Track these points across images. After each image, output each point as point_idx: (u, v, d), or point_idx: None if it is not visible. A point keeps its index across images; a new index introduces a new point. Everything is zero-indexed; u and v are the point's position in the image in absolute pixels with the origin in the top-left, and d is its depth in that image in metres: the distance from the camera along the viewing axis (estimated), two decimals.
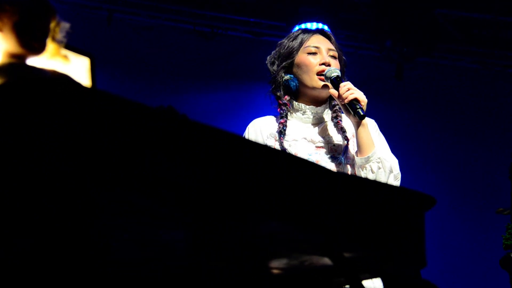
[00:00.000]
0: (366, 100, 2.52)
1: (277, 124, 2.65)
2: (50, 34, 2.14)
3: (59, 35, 2.18)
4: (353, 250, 1.38)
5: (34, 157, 0.96)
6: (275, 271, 1.51)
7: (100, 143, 1.01)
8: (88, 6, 5.98)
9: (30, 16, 2.10)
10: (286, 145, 2.60)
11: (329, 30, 2.81)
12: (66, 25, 2.19)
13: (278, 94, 2.70)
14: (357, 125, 2.52)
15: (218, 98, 6.18)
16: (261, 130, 2.68)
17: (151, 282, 0.97)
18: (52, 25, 2.16)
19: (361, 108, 2.49)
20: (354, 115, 2.49)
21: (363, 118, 2.50)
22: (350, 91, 2.51)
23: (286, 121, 2.65)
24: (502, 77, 6.41)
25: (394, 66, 6.11)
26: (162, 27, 6.19)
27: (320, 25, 5.54)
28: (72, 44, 2.26)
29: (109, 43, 5.84)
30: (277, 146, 2.60)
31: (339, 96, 2.53)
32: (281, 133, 2.62)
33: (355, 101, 2.50)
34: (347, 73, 2.74)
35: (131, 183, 1.03)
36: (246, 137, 2.68)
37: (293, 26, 5.71)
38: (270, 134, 2.65)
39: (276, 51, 2.75)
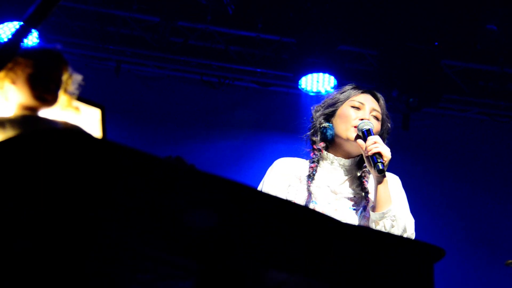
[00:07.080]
0: (389, 157, 2.52)
1: (307, 167, 2.67)
2: (63, 86, 2.17)
3: (71, 87, 2.20)
4: None
5: (46, 207, 0.97)
6: None
7: (111, 193, 1.02)
8: (97, 57, 6.03)
9: (43, 69, 2.13)
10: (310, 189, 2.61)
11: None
12: (78, 77, 2.22)
13: (314, 139, 2.74)
14: (377, 180, 2.53)
15: (225, 148, 6.19)
16: (288, 169, 2.69)
17: None
18: (65, 77, 2.18)
19: (382, 163, 2.50)
20: (374, 168, 2.50)
21: (382, 173, 2.50)
22: (375, 144, 2.51)
23: (317, 166, 2.67)
24: (509, 128, 6.42)
25: (400, 116, 6.12)
26: (170, 77, 6.24)
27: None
28: (81, 94, 2.29)
29: (117, 94, 5.88)
30: (301, 188, 2.61)
31: (366, 148, 2.54)
32: (310, 177, 2.63)
33: (378, 155, 2.51)
34: None
35: (140, 232, 1.03)
36: (271, 173, 2.70)
37: (300, 77, 5.75)
38: (296, 176, 2.66)
39: (323, 101, 2.80)
